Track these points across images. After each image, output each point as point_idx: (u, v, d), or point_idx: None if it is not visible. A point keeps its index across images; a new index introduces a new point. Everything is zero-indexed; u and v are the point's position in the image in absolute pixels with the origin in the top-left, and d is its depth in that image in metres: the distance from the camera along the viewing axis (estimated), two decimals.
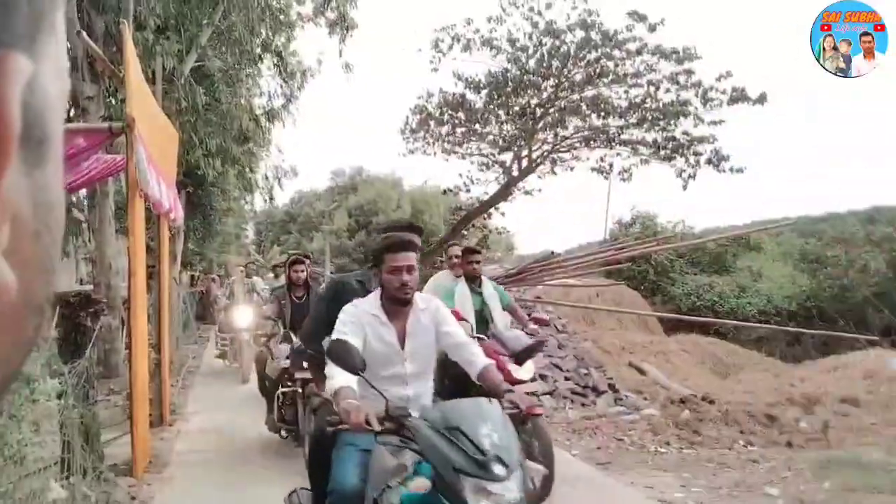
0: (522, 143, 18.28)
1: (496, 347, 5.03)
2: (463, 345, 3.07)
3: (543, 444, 4.73)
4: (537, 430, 4.79)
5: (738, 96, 16.06)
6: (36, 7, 0.35)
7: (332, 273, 26.91)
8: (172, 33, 11.45)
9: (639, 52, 16.64)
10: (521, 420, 4.71)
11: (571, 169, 19.02)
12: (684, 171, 16.99)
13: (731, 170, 16.73)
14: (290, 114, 16.41)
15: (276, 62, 15.20)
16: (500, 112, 18.31)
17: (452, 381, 4.08)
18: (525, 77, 17.46)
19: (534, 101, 17.84)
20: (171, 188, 7.59)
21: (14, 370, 0.37)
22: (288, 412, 6.23)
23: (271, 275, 14.20)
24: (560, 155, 18.82)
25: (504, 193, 19.01)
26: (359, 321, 2.99)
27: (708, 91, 16.34)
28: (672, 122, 16.80)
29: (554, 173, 19.04)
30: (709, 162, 16.83)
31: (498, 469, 2.29)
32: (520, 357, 4.94)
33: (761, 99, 15.90)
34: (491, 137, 19.05)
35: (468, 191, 20.02)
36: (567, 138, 18.36)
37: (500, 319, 5.70)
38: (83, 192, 10.27)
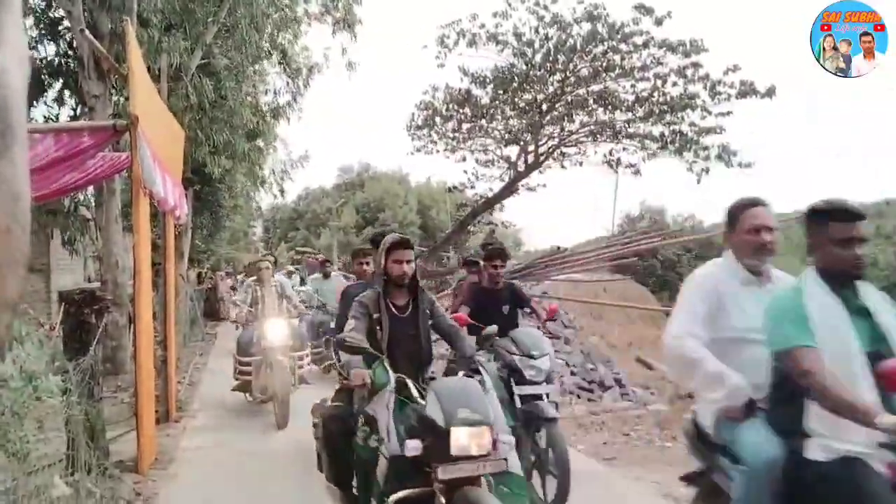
0: (529, 137, 18.25)
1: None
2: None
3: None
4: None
5: (747, 90, 15.98)
6: None
7: (339, 270, 26.87)
8: (178, 31, 11.46)
9: (645, 46, 16.57)
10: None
11: (580, 164, 18.98)
12: (696, 163, 16.92)
13: (740, 165, 16.66)
14: (296, 111, 16.44)
15: (280, 59, 15.20)
16: (506, 107, 18.28)
17: None
18: (531, 72, 17.41)
19: (540, 96, 17.79)
20: (177, 185, 7.60)
21: None
22: None
23: (283, 272, 13.63)
24: (566, 150, 18.77)
25: (510, 189, 18.99)
26: None
27: (716, 84, 16.25)
28: (679, 115, 16.72)
29: (563, 167, 19.01)
30: (719, 157, 16.76)
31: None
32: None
33: (769, 93, 15.81)
34: (497, 133, 19.02)
35: (473, 187, 19.99)
36: (573, 133, 18.31)
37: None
38: (90, 190, 10.31)
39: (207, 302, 20.85)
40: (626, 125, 17.59)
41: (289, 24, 14.56)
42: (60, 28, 11.19)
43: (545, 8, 16.81)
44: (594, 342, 12.71)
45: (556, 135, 18.39)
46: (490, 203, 19.68)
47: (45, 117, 11.33)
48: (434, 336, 3.84)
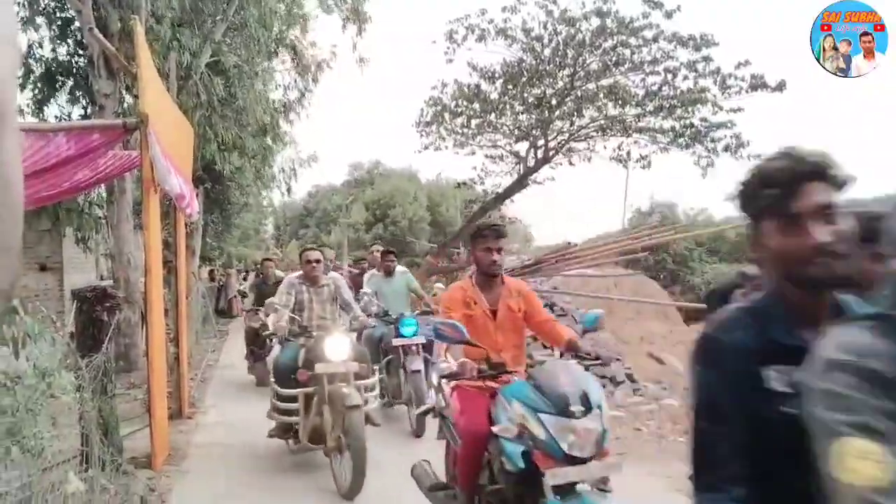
0: (538, 132, 18.20)
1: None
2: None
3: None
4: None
5: (758, 83, 15.85)
6: None
7: (349, 266, 26.93)
8: (187, 29, 11.50)
9: (655, 40, 16.48)
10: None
11: (589, 159, 18.91)
12: (703, 157, 16.83)
13: (750, 157, 16.53)
14: (305, 107, 16.48)
15: (292, 56, 15.20)
16: (515, 102, 18.22)
17: None
18: (540, 66, 17.35)
19: (549, 91, 17.72)
20: (188, 183, 7.63)
21: None
22: None
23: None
24: (576, 145, 18.70)
25: (520, 184, 18.95)
26: None
27: (727, 78, 16.14)
28: (690, 109, 16.63)
29: (571, 164, 18.95)
30: (727, 149, 16.65)
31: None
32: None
33: (780, 86, 15.69)
34: (506, 128, 18.97)
35: (482, 183, 19.96)
36: (583, 128, 18.23)
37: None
38: (102, 188, 10.38)
39: (219, 299, 20.97)
40: (636, 119, 17.50)
41: (296, 21, 14.56)
42: (71, 28, 11.26)
43: (554, 2, 16.75)
44: (605, 337, 12.67)
45: (565, 130, 18.32)
46: (499, 199, 19.63)
47: (56, 117, 11.41)
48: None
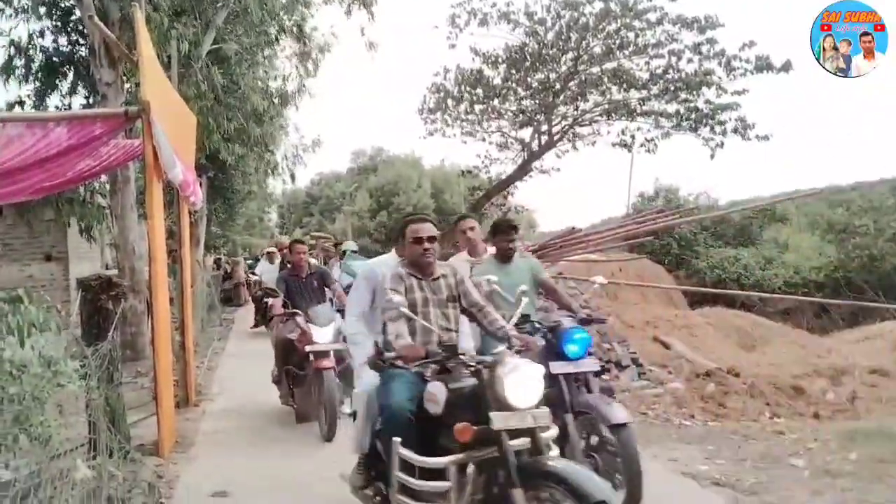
0: (542, 118, 18.11)
1: None
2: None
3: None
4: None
5: (763, 65, 15.75)
6: None
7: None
8: (188, 16, 11.45)
9: (659, 22, 16.37)
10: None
11: (593, 144, 18.84)
12: (711, 139, 16.74)
13: (757, 137, 16.43)
14: (307, 93, 16.42)
15: (297, 37, 15.09)
16: (519, 87, 18.13)
17: None
18: (543, 51, 17.25)
19: (553, 75, 17.63)
20: (191, 171, 7.62)
21: None
22: None
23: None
24: (580, 129, 18.61)
25: (523, 170, 18.89)
26: None
27: (731, 60, 16.02)
28: (695, 92, 16.52)
29: (575, 149, 18.87)
30: (734, 131, 16.55)
31: None
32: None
33: (786, 67, 15.57)
34: (510, 114, 18.88)
35: (487, 171, 19.90)
36: (587, 112, 18.14)
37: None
38: (105, 177, 10.38)
39: (225, 288, 21.06)
40: (641, 103, 17.41)
41: (297, 6, 14.45)
42: (72, 18, 11.22)
43: None
44: (610, 322, 12.67)
45: (569, 114, 18.25)
46: (504, 185, 19.59)
47: (57, 107, 11.40)
48: None
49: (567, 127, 18.35)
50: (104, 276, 5.22)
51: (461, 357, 3.14)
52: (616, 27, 16.48)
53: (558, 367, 4.19)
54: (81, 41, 11.21)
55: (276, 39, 14.57)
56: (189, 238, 8.85)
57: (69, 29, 11.37)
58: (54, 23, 11.28)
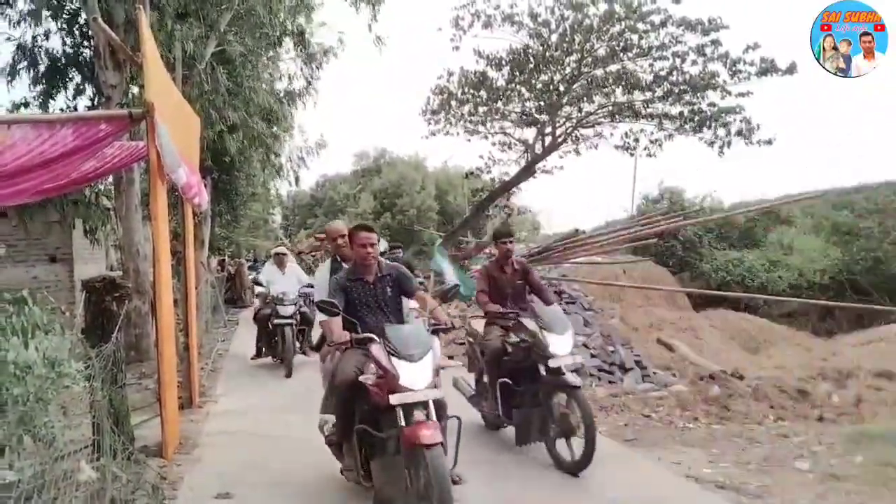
0: (546, 119, 18.11)
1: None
2: None
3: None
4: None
5: (768, 67, 15.73)
6: None
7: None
8: (192, 18, 11.47)
9: (663, 24, 16.35)
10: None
11: (595, 147, 18.84)
12: (716, 140, 16.73)
13: (760, 142, 16.42)
14: (311, 95, 16.42)
15: (296, 42, 15.09)
16: (523, 89, 18.13)
17: None
18: (547, 52, 17.25)
19: (556, 77, 17.63)
20: (195, 173, 7.63)
21: None
22: None
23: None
24: (584, 131, 18.61)
25: (527, 172, 18.88)
26: None
27: (736, 63, 16.01)
28: (699, 94, 16.51)
29: (577, 153, 18.87)
30: (739, 133, 16.53)
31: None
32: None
33: (791, 69, 15.55)
34: (513, 115, 18.89)
35: (489, 172, 19.90)
36: (591, 114, 18.14)
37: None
38: (110, 179, 10.41)
39: (230, 289, 21.10)
40: (645, 105, 17.39)
41: (301, 8, 14.45)
42: (78, 21, 11.25)
43: None
44: (614, 324, 12.65)
45: (573, 116, 18.24)
46: (507, 186, 19.59)
47: (61, 109, 11.43)
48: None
49: (571, 129, 18.35)
50: (108, 277, 5.23)
51: None
52: (620, 29, 16.47)
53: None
54: (86, 43, 11.25)
55: (279, 42, 14.57)
56: (193, 239, 8.85)
57: (74, 30, 11.41)
58: (60, 25, 11.31)
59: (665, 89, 16.78)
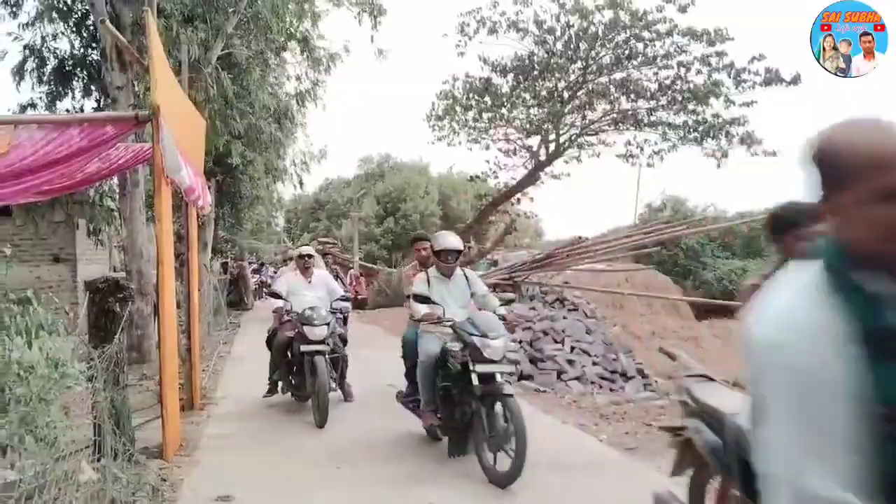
0: (550, 126, 18.13)
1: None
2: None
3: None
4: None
5: (772, 78, 15.75)
6: None
7: (360, 259, 26.98)
8: (199, 22, 11.52)
9: (669, 34, 16.39)
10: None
11: (598, 155, 18.87)
12: (716, 150, 16.75)
13: (764, 153, 16.44)
14: (316, 99, 16.47)
15: (301, 48, 15.16)
16: (527, 96, 18.17)
17: None
18: (552, 60, 17.28)
19: (561, 84, 17.67)
20: (199, 176, 7.65)
21: None
22: None
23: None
24: (588, 139, 18.63)
25: (531, 178, 18.90)
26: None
27: (740, 73, 16.04)
28: (703, 104, 16.54)
29: (579, 161, 18.90)
30: (742, 142, 16.55)
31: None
32: None
33: (795, 80, 15.57)
34: (518, 122, 18.92)
35: (495, 177, 19.92)
36: (595, 121, 18.16)
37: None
38: (114, 180, 10.44)
39: (234, 291, 21.13)
40: (649, 113, 17.42)
41: (307, 15, 14.52)
42: (86, 23, 11.32)
43: None
44: (616, 332, 12.64)
45: (577, 123, 18.27)
46: (511, 193, 19.61)
47: (67, 110, 11.49)
48: None
49: (574, 136, 18.37)
50: (112, 278, 5.23)
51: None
52: (625, 37, 16.51)
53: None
54: (94, 45, 11.30)
55: (284, 46, 14.63)
56: (196, 242, 8.87)
57: (83, 32, 11.47)
58: (68, 27, 11.38)
59: (669, 98, 16.81)
